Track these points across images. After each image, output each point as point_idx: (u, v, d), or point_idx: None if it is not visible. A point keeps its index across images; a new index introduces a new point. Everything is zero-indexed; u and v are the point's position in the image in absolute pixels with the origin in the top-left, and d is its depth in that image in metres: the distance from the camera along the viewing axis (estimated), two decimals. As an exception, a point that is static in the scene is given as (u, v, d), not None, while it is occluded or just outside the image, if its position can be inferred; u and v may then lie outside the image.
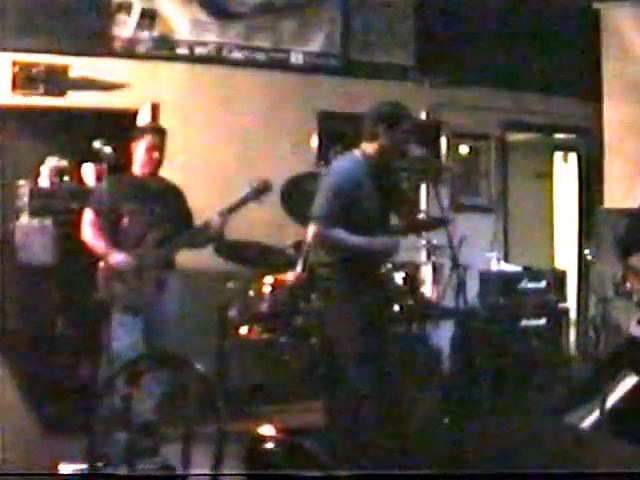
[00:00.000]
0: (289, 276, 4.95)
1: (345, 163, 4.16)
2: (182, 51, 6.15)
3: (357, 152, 4.15)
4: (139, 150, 4.67)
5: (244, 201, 4.68)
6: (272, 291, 5.02)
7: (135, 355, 4.25)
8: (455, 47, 6.75)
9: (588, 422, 3.53)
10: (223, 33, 6.26)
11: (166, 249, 4.61)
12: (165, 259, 4.63)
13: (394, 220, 4.37)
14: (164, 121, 5.71)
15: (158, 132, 4.77)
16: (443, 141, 6.86)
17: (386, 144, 4.04)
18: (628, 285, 5.44)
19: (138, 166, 4.70)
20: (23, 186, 5.50)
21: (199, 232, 4.68)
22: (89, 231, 4.59)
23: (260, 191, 4.69)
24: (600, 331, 5.97)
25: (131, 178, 4.71)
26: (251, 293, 5.11)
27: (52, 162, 5.61)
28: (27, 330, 5.30)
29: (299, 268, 4.91)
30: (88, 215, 4.62)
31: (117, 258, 4.44)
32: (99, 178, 5.46)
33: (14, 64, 5.62)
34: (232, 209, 4.66)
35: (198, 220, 4.76)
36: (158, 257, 4.58)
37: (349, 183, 3.99)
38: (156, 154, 4.69)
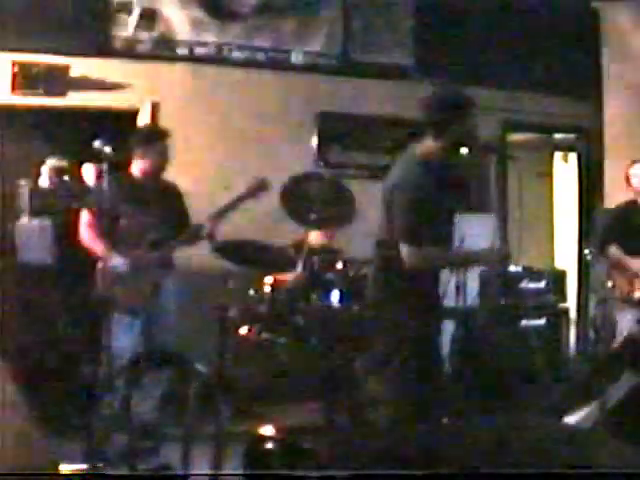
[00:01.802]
0: (289, 276, 4.95)
1: (409, 171, 3.72)
2: (182, 51, 6.15)
3: (417, 150, 3.77)
4: (146, 156, 4.65)
5: (240, 200, 4.68)
6: (272, 291, 5.02)
7: (135, 355, 4.26)
8: (455, 47, 6.75)
9: (588, 422, 3.53)
10: (223, 33, 6.26)
11: (164, 250, 4.61)
12: (163, 260, 4.63)
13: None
14: (164, 121, 5.71)
15: (165, 138, 4.75)
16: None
17: (455, 136, 3.67)
18: (611, 281, 5.53)
19: (140, 169, 4.68)
20: (23, 186, 5.50)
21: (196, 233, 4.67)
22: (87, 232, 4.58)
23: (256, 190, 4.69)
24: (600, 331, 5.98)
25: (129, 179, 4.70)
26: (251, 293, 5.10)
27: (52, 162, 5.62)
28: (27, 330, 5.29)
29: (299, 268, 4.91)
30: (86, 216, 4.61)
31: (115, 261, 4.43)
32: (99, 178, 5.46)
33: (14, 64, 5.62)
34: (228, 208, 4.66)
35: (196, 221, 4.76)
36: (156, 258, 4.58)
37: (423, 192, 3.61)
38: (162, 161, 4.68)
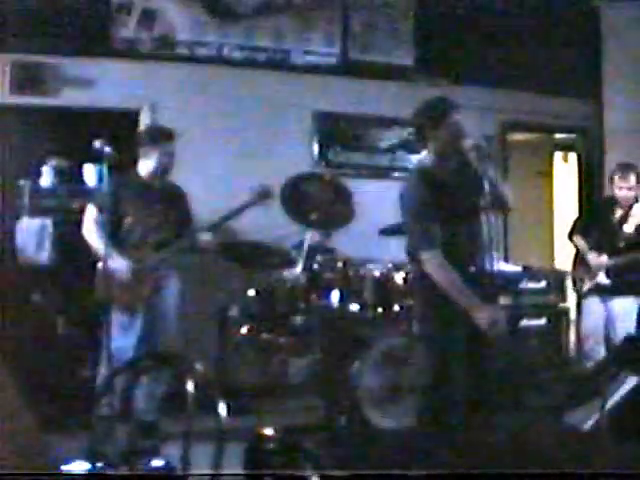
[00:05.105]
0: (289, 276, 4.95)
1: (416, 179, 3.79)
2: (182, 51, 6.16)
3: (422, 160, 3.86)
4: (151, 156, 4.63)
5: (243, 207, 4.67)
6: (272, 291, 5.02)
7: (135, 355, 4.26)
8: (455, 47, 6.75)
9: (588, 422, 3.53)
10: (223, 33, 6.26)
11: (166, 252, 4.60)
12: (165, 261, 4.62)
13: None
14: (164, 121, 5.71)
15: (170, 139, 4.74)
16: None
17: (439, 144, 3.74)
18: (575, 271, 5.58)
19: (145, 170, 4.66)
20: (23, 186, 5.50)
21: (196, 237, 4.67)
22: (90, 228, 4.56)
23: (259, 198, 4.68)
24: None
25: (134, 179, 4.68)
26: (251, 293, 5.10)
27: (52, 162, 5.62)
28: (27, 330, 5.30)
29: (299, 268, 4.91)
30: (90, 211, 4.59)
31: (116, 264, 4.42)
32: (99, 178, 5.47)
33: (14, 64, 5.62)
34: (232, 215, 4.66)
35: (198, 222, 4.76)
36: (158, 259, 4.57)
37: (431, 198, 3.66)
38: (168, 163, 4.67)
